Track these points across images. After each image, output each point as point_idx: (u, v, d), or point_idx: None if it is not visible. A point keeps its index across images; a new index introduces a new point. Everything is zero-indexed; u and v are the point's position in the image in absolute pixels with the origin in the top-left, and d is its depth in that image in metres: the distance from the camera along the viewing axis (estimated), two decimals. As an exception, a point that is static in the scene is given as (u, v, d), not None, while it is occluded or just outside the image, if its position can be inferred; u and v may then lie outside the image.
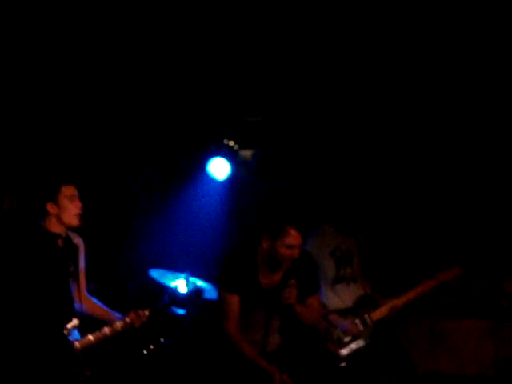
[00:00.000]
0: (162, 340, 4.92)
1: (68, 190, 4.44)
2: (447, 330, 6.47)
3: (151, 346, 4.82)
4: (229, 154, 6.50)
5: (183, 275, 5.65)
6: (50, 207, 4.40)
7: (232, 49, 5.51)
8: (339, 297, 5.39)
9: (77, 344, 4.32)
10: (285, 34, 5.28)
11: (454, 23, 4.72)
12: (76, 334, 4.40)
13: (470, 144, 6.14)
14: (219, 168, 6.49)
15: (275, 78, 5.86)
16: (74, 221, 4.47)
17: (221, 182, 6.58)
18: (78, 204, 4.47)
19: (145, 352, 4.79)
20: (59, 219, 4.42)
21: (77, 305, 4.53)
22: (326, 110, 6.24)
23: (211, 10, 4.96)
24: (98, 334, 4.43)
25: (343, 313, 5.34)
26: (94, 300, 4.75)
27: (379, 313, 5.33)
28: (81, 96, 6.02)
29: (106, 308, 4.70)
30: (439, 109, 5.87)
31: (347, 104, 6.09)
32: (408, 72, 5.52)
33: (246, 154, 6.63)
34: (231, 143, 6.49)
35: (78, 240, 4.66)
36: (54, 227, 4.42)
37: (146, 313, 4.56)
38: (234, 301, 4.58)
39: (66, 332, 4.27)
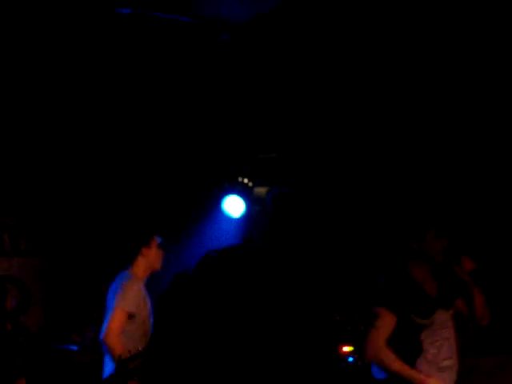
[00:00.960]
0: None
1: None
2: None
3: None
4: (243, 192, 6.56)
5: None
6: None
7: (245, 88, 5.61)
8: None
9: None
10: (296, 76, 5.38)
11: (453, 28, 4.72)
12: None
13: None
14: (234, 205, 6.55)
15: (287, 115, 5.94)
16: None
17: (236, 220, 6.63)
18: None
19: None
20: None
21: None
22: (336, 147, 6.30)
23: (223, 50, 5.07)
24: None
25: None
26: None
27: None
28: (100, 137, 6.15)
29: None
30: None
31: (356, 140, 6.15)
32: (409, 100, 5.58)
33: (261, 191, 6.69)
34: (245, 181, 6.56)
35: None
36: None
37: None
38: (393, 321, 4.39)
39: None
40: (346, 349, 6.75)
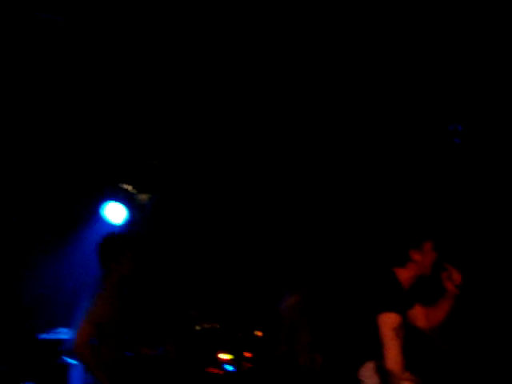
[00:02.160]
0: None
1: None
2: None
3: None
4: (125, 198, 6.46)
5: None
6: None
7: (130, 94, 5.52)
8: None
9: None
10: (177, 83, 5.35)
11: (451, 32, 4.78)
12: None
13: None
14: (116, 212, 6.44)
15: (172, 121, 5.90)
16: None
17: (117, 226, 6.51)
18: None
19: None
20: None
21: None
22: (218, 155, 6.31)
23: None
24: None
25: None
26: None
27: None
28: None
29: None
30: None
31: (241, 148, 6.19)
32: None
33: (144, 197, 6.61)
34: (128, 187, 6.46)
35: None
36: None
37: None
38: None
39: None
40: (224, 356, 6.78)
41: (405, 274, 4.10)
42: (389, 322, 3.90)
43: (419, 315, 4.33)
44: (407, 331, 4.24)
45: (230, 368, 6.69)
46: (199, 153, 6.29)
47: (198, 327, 6.74)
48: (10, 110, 5.58)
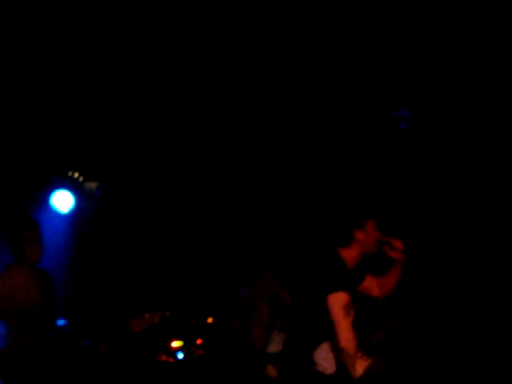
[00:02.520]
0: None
1: None
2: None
3: None
4: (73, 186, 6.37)
5: None
6: None
7: (73, 81, 5.43)
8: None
9: None
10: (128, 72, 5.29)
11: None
12: None
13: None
14: (63, 200, 6.35)
15: (119, 109, 5.83)
16: None
17: (65, 215, 6.43)
18: None
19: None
20: None
21: None
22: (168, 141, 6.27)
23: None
24: None
25: None
26: None
27: None
28: None
29: None
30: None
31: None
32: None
33: (91, 185, 6.53)
34: (76, 175, 6.37)
35: None
36: None
37: None
38: None
39: None
40: (176, 344, 6.77)
41: (350, 254, 4.21)
42: (337, 301, 3.98)
43: (372, 285, 4.46)
44: (362, 302, 4.36)
45: (181, 355, 6.68)
46: (148, 139, 6.24)
47: (147, 315, 6.69)
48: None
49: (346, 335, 3.97)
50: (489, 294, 6.04)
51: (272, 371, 5.39)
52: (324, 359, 4.14)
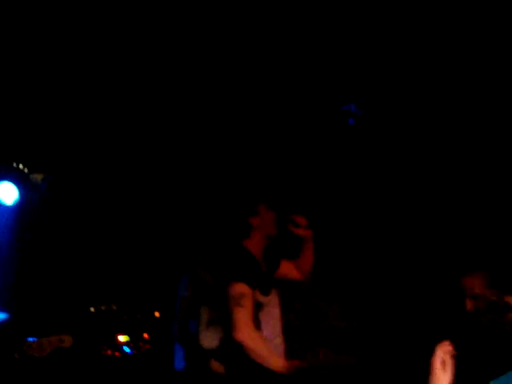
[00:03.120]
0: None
1: None
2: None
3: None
4: (17, 178, 6.26)
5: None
6: None
7: (16, 70, 5.33)
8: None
9: None
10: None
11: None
12: None
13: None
14: (7, 192, 6.23)
15: (67, 98, 5.75)
16: None
17: (8, 207, 6.31)
18: None
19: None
20: None
21: None
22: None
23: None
24: None
25: None
26: None
27: None
28: None
29: None
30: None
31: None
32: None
33: (37, 177, 6.42)
34: (21, 166, 6.26)
35: None
36: None
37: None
38: None
39: None
40: (122, 338, 6.72)
41: (252, 242, 4.25)
42: (231, 292, 3.98)
43: (290, 269, 4.51)
44: (283, 287, 4.40)
45: (127, 350, 6.64)
46: (95, 129, 6.17)
47: (92, 309, 6.63)
48: None
49: (237, 325, 3.91)
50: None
51: (218, 367, 5.34)
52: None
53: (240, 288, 3.97)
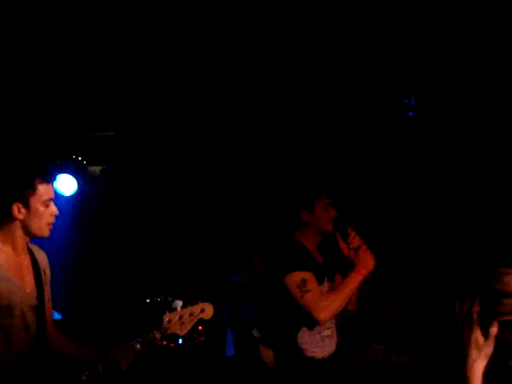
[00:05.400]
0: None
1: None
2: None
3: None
4: (76, 170, 6.37)
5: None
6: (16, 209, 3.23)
7: (75, 64, 5.40)
8: None
9: None
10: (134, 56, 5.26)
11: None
12: None
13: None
14: (66, 184, 6.35)
15: (126, 93, 5.80)
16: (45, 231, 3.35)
17: (67, 198, 6.43)
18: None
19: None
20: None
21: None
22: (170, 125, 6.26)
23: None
24: None
25: None
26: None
27: None
28: None
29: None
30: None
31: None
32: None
33: (95, 169, 6.53)
34: (79, 159, 6.37)
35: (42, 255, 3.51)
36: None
37: (138, 346, 3.53)
38: None
39: None
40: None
41: (304, 236, 4.24)
42: (291, 283, 3.99)
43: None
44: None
45: (181, 341, 6.68)
46: (152, 123, 6.23)
47: (148, 300, 6.69)
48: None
49: (316, 308, 3.94)
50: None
51: (267, 355, 5.30)
52: (310, 344, 4.17)
53: (298, 276, 4.02)
